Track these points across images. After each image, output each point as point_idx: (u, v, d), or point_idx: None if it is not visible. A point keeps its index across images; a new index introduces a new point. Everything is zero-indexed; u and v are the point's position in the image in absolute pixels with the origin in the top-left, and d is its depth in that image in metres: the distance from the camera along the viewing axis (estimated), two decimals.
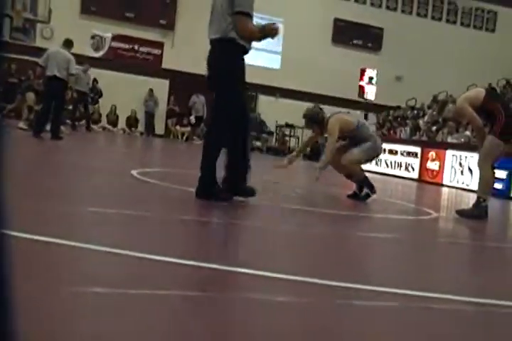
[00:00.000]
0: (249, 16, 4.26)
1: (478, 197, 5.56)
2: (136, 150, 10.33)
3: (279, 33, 4.41)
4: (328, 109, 21.51)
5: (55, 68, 9.44)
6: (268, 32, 4.32)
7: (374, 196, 6.01)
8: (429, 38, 22.44)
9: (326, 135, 6.03)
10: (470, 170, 10.89)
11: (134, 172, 5.52)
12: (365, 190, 5.95)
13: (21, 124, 11.96)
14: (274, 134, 20.61)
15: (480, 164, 5.64)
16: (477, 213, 5.47)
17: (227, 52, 4.27)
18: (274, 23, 4.40)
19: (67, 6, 18.39)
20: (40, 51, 18.56)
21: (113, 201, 3.90)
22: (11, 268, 0.79)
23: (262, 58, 21.20)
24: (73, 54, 10.00)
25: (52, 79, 9.48)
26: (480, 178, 5.63)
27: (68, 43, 9.94)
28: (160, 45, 20.27)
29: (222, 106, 4.31)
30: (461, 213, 5.55)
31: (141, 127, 19.48)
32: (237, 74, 4.30)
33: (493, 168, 5.68)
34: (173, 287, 1.92)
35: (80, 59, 10.74)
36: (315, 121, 5.96)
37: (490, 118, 5.52)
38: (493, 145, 5.48)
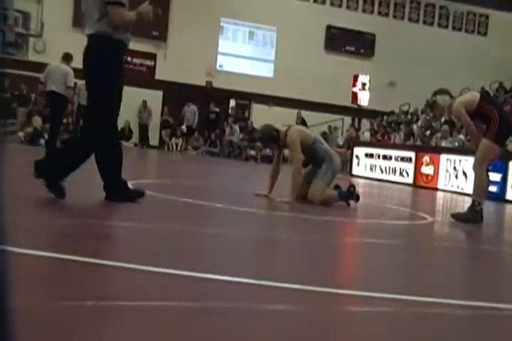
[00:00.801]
0: (123, 5, 4.01)
1: (473, 201, 5.59)
2: (131, 161, 10.36)
3: (151, 13, 4.14)
4: (321, 116, 21.59)
5: (53, 83, 9.51)
6: (145, 16, 4.14)
7: (358, 192, 6.02)
8: (421, 42, 22.56)
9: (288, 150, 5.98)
10: (464, 173, 10.93)
11: (128, 184, 5.53)
12: (351, 199, 5.95)
13: (20, 134, 11.95)
14: None
15: (475, 168, 5.68)
16: (472, 217, 5.49)
17: (102, 49, 4.03)
18: (146, 3, 4.18)
19: (59, 20, 18.47)
20: (34, 65, 18.55)
21: (108, 213, 3.91)
22: (10, 283, 0.81)
23: (254, 67, 21.30)
24: None
25: (51, 94, 9.55)
26: (475, 182, 5.67)
27: (67, 57, 10.00)
28: (153, 57, 20.35)
29: (97, 106, 4.06)
30: (456, 217, 5.58)
31: (135, 139, 19.50)
32: (113, 72, 4.08)
33: (488, 170, 5.72)
34: (168, 298, 1.94)
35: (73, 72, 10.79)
36: (269, 139, 5.95)
37: (484, 122, 5.57)
38: (488, 149, 5.51)
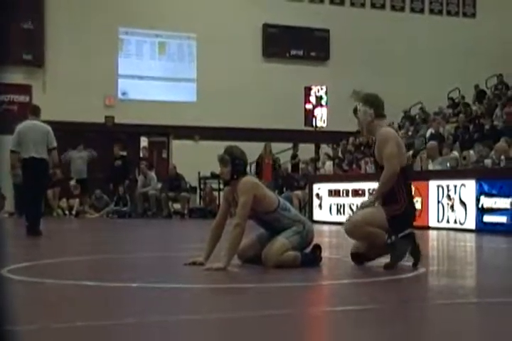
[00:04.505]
0: None
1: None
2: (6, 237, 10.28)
3: None
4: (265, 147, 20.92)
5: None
6: None
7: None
8: (390, 35, 22.89)
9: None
10: (463, 203, 11.16)
11: (3, 271, 5.54)
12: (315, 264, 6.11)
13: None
14: (198, 190, 20.58)
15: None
16: (399, 253, 5.93)
17: None
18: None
19: None
20: None
21: None
22: None
23: (170, 90, 21.16)
24: None
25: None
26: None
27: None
28: (26, 89, 20.30)
29: None
30: (388, 266, 5.95)
31: (9, 206, 18.92)
32: None
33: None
34: None
35: None
36: (235, 159, 5.93)
37: (390, 197, 5.99)
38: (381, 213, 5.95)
